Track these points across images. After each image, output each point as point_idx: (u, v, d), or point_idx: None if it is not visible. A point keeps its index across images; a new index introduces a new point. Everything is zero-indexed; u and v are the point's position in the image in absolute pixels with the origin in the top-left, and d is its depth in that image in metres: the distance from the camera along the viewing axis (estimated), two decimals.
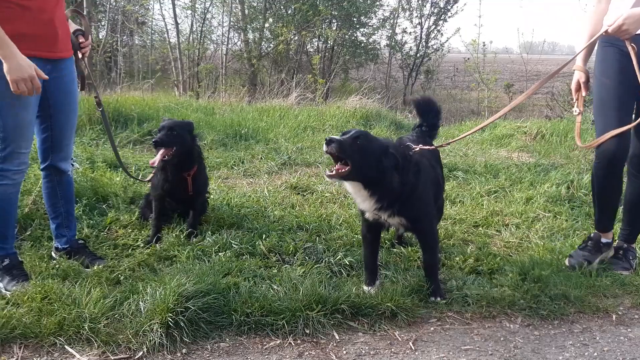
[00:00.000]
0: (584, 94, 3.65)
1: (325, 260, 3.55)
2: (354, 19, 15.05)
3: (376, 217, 3.10)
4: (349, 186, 3.01)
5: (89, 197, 4.32)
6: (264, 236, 3.86)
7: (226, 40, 14.53)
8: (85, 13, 12.66)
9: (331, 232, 4.06)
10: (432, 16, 16.76)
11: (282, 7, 15.14)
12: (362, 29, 15.81)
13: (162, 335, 2.65)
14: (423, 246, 3.33)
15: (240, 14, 14.64)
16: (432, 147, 3.53)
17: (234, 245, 3.71)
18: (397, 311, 3.00)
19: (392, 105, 11.67)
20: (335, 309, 2.95)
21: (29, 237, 3.75)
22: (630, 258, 3.71)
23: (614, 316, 3.15)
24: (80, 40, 3.32)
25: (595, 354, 2.79)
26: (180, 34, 13.87)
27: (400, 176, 2.95)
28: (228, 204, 4.54)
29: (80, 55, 3.36)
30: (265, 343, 2.77)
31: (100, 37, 14.81)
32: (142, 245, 3.76)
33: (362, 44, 15.94)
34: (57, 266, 3.27)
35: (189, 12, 14.02)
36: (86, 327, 2.66)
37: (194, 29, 14.24)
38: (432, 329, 2.97)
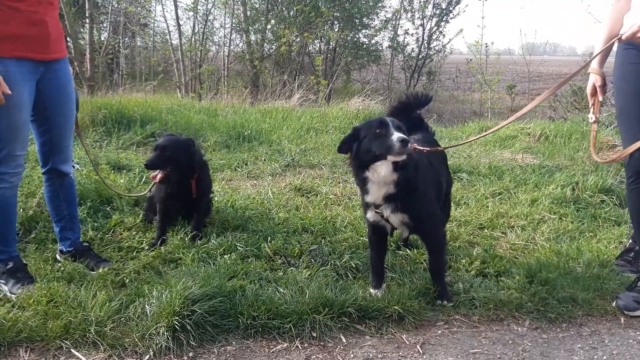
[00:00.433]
0: (600, 98, 3.39)
1: (331, 263, 3.53)
2: (356, 21, 15.04)
3: (379, 213, 3.07)
4: (384, 167, 2.90)
5: (93, 199, 4.31)
6: (269, 238, 3.85)
7: (228, 41, 14.55)
8: (87, 15, 12.79)
9: (336, 234, 4.04)
10: (434, 17, 16.77)
11: (284, 9, 15.14)
12: (364, 31, 15.81)
13: (168, 338, 2.63)
14: (428, 248, 3.30)
15: (242, 15, 14.62)
16: (440, 149, 3.52)
17: (239, 248, 3.69)
18: (404, 314, 2.98)
19: None
20: (342, 312, 2.94)
21: (34, 239, 3.73)
22: None
23: (622, 319, 3.12)
24: None
25: (605, 357, 2.77)
26: (182, 36, 13.88)
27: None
28: (232, 206, 4.53)
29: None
30: (272, 346, 2.75)
31: (102, 39, 14.81)
32: (146, 247, 3.74)
33: (364, 46, 15.94)
34: (62, 269, 3.26)
35: (191, 13, 14.02)
36: (92, 331, 2.64)
37: (196, 31, 14.24)
38: (439, 332, 2.95)
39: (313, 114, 8.56)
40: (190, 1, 13.86)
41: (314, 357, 2.69)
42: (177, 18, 13.55)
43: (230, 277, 3.25)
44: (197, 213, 4.03)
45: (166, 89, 13.24)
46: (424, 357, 2.72)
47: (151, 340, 2.64)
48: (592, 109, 3.41)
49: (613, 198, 5.05)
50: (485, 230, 4.35)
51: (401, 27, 16.82)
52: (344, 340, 2.82)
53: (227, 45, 14.50)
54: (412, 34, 16.87)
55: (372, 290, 3.21)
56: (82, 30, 14.14)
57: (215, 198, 4.59)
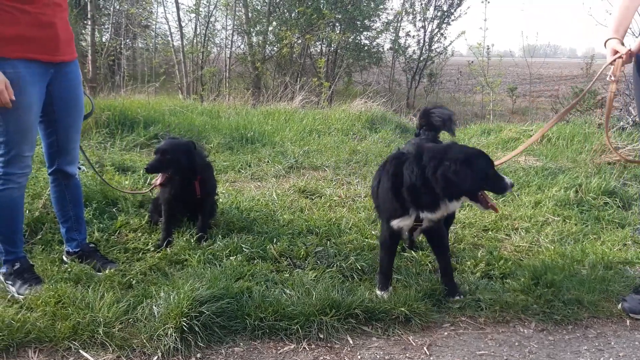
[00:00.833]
0: (623, 56, 3.17)
1: (336, 265, 3.54)
2: (358, 23, 15.07)
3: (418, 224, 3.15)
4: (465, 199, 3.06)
5: (98, 200, 4.31)
6: (274, 240, 3.85)
7: (230, 43, 14.56)
8: (89, 16, 12.81)
9: (341, 236, 4.05)
10: (436, 20, 16.81)
11: (285, 11, 15.17)
12: (365, 33, 15.84)
13: (176, 339, 2.64)
14: (441, 249, 3.35)
15: (244, 17, 14.65)
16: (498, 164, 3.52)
17: (244, 249, 3.70)
18: (410, 316, 2.99)
19: (396, 109, 11.67)
20: (349, 314, 2.95)
21: (40, 241, 3.73)
22: None
23: (628, 321, 3.13)
24: None
25: (611, 359, 2.78)
26: (184, 37, 13.89)
27: None
28: (237, 208, 4.53)
29: None
30: (279, 348, 2.76)
31: (104, 40, 14.83)
32: (152, 249, 3.75)
33: (366, 48, 15.97)
34: (69, 270, 3.26)
35: (193, 15, 14.06)
36: (100, 332, 2.65)
37: (197, 32, 14.27)
38: (445, 333, 2.96)
39: (315, 116, 8.57)
40: (192, 3, 13.91)
41: (322, 358, 2.70)
42: (179, 20, 13.59)
43: (237, 278, 3.26)
44: (202, 214, 4.03)
45: (168, 91, 13.25)
46: (431, 358, 2.73)
47: (159, 341, 2.65)
48: (612, 68, 3.26)
49: (616, 200, 5.06)
50: (490, 232, 4.36)
51: (403, 29, 16.91)
52: (351, 342, 2.83)
53: (229, 47, 14.53)
54: (413, 36, 16.96)
55: (378, 292, 3.22)
56: (83, 31, 14.17)
57: (220, 200, 4.60)
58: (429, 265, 3.65)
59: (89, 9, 13.00)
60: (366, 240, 3.97)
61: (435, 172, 2.87)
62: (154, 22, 16.27)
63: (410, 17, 16.67)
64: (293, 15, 14.76)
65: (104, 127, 6.66)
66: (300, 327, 2.84)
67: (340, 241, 3.94)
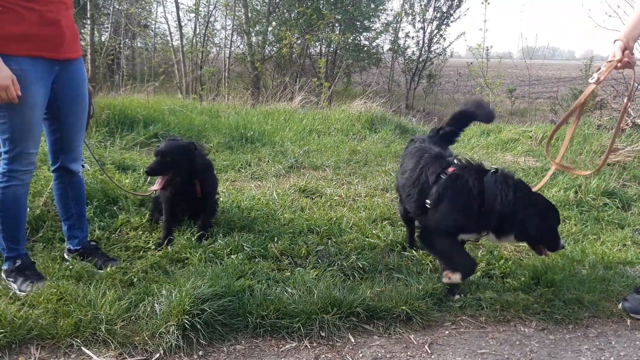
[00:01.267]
0: (619, 63, 3.06)
1: (337, 264, 3.54)
2: (358, 23, 15.08)
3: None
4: None
5: (99, 199, 4.31)
6: (275, 239, 3.86)
7: (229, 43, 14.56)
8: (88, 16, 12.80)
9: (342, 235, 4.05)
10: (435, 21, 16.81)
11: (285, 11, 15.17)
12: (365, 33, 15.85)
13: (178, 337, 2.65)
14: None
15: (243, 17, 14.65)
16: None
17: (245, 248, 3.70)
18: (412, 314, 3.00)
19: (396, 110, 11.69)
20: (350, 312, 2.96)
21: (41, 238, 3.73)
22: None
23: (628, 321, 3.15)
24: None
25: (612, 358, 2.79)
26: (184, 37, 13.88)
27: None
28: (238, 207, 4.53)
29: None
30: (281, 346, 2.76)
31: (103, 39, 14.81)
32: (153, 247, 3.75)
33: (365, 48, 15.98)
34: (70, 267, 3.26)
35: (192, 15, 14.04)
36: (102, 329, 2.66)
37: (197, 32, 14.25)
38: (447, 332, 2.97)
39: (315, 116, 8.57)
40: (192, 3, 13.91)
41: (323, 356, 2.71)
42: (179, 19, 13.57)
43: (238, 276, 3.26)
44: (203, 213, 4.03)
45: (167, 90, 13.23)
46: (432, 357, 2.74)
47: (161, 338, 2.65)
48: (599, 70, 3.17)
49: (616, 201, 5.08)
50: None
51: (402, 30, 16.89)
52: (353, 340, 2.83)
53: (228, 46, 14.52)
54: (412, 37, 16.94)
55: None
56: (82, 31, 14.14)
57: (220, 199, 4.60)
58: (430, 264, 3.65)
59: (88, 8, 12.97)
60: (367, 239, 3.98)
61: (516, 212, 3.02)
62: (153, 22, 16.25)
63: (410, 18, 16.68)
64: (293, 15, 14.76)
65: (103, 126, 6.65)
66: (302, 325, 2.85)
67: (341, 240, 3.95)
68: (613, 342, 2.93)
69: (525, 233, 3.07)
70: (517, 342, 2.89)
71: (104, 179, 4.56)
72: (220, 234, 3.94)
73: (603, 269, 3.67)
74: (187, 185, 3.94)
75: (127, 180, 4.81)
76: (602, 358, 2.79)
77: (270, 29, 14.80)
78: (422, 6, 16.61)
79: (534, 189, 3.31)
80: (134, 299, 2.91)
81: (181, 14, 13.66)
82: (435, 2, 16.61)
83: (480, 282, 3.46)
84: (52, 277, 3.13)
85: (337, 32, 14.69)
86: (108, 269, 3.28)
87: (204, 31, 14.27)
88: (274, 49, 14.85)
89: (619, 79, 9.56)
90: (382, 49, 16.78)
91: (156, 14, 16.07)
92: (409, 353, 2.76)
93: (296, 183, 5.37)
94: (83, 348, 2.61)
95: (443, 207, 3.17)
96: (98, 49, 13.72)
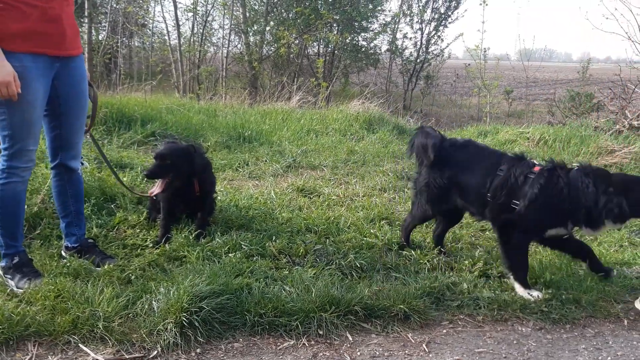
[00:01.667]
0: None
1: (335, 262, 3.54)
2: (356, 24, 15.08)
3: None
4: None
5: (97, 196, 4.30)
6: (273, 238, 3.86)
7: (227, 42, 14.54)
8: (86, 14, 12.78)
9: (340, 234, 4.05)
10: (433, 22, 16.84)
11: (283, 11, 15.17)
12: (363, 34, 15.85)
13: (176, 334, 2.65)
14: (576, 241, 3.71)
15: (241, 16, 14.63)
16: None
17: (243, 247, 3.70)
18: (409, 313, 3.01)
19: (393, 110, 11.69)
20: (348, 311, 2.96)
21: (38, 236, 3.72)
22: None
23: (625, 321, 3.16)
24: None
25: (609, 358, 2.79)
26: (181, 36, 13.86)
27: None
28: (236, 206, 4.53)
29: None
30: (279, 343, 2.76)
31: (101, 38, 14.78)
32: (151, 245, 3.74)
33: (363, 49, 15.98)
34: (68, 265, 3.25)
35: (190, 14, 14.02)
36: (100, 326, 2.65)
37: (195, 31, 14.23)
38: (444, 331, 2.97)
39: (313, 116, 8.57)
40: (190, 2, 13.88)
41: (321, 354, 2.70)
42: (177, 18, 13.55)
43: (236, 275, 3.26)
44: (201, 212, 4.03)
45: (164, 89, 13.21)
46: (430, 355, 2.74)
47: (159, 336, 2.65)
48: None
49: None
50: (487, 232, 4.37)
51: (400, 31, 16.92)
52: (350, 339, 2.83)
53: (226, 46, 14.50)
54: (410, 38, 16.99)
55: (532, 293, 3.35)
56: (80, 29, 14.08)
57: (218, 197, 4.60)
58: (427, 263, 3.65)
59: (86, 6, 12.94)
60: (365, 238, 3.98)
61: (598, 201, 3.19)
62: (151, 21, 16.22)
63: (408, 19, 16.71)
64: (291, 15, 14.75)
65: (101, 125, 6.64)
66: (300, 323, 2.85)
67: (339, 239, 3.95)
68: (610, 342, 2.94)
69: (621, 213, 3.18)
70: (515, 342, 2.90)
71: (102, 177, 4.56)
72: (218, 233, 3.93)
73: None
74: (185, 185, 3.94)
75: (125, 179, 4.80)
76: (600, 357, 2.80)
77: (268, 28, 14.79)
78: (420, 7, 16.65)
79: None
80: (132, 297, 2.90)
81: (179, 13, 13.65)
82: (433, 3, 16.66)
83: (477, 281, 3.45)
84: (49, 274, 3.13)
85: (335, 33, 14.69)
86: (106, 267, 3.27)
87: (201, 30, 14.27)
88: (272, 48, 14.84)
89: (617, 81, 9.59)
90: (380, 50, 16.79)
91: (154, 12, 16.03)
92: (406, 351, 2.76)
93: (294, 182, 5.37)
94: (80, 345, 2.60)
95: (539, 204, 3.29)
96: (95, 48, 13.69)
